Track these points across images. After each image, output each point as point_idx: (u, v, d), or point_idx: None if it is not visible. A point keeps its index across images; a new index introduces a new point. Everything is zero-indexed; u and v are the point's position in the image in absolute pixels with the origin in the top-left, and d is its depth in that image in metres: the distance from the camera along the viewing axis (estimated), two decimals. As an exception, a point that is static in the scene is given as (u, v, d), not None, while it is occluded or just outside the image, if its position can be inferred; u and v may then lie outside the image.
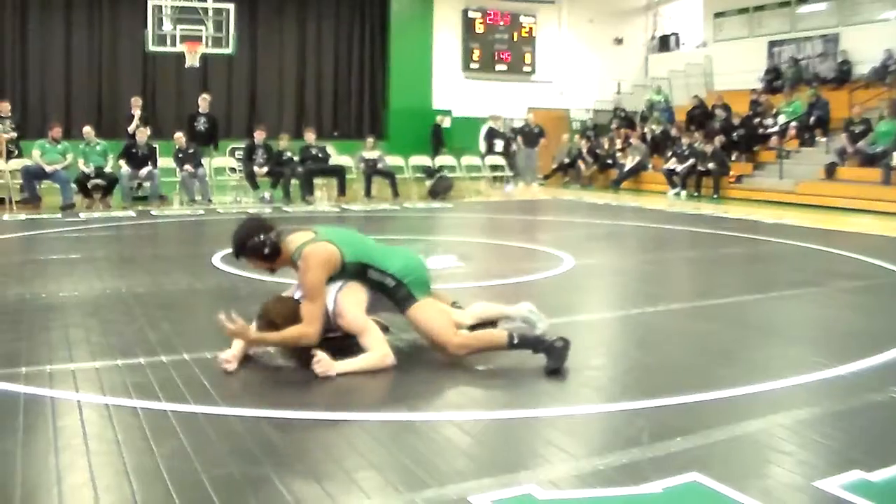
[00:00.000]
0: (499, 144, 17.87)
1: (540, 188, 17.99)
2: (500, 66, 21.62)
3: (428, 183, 15.48)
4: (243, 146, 14.96)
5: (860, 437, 3.25)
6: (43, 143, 12.71)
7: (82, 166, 12.69)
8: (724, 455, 3.05)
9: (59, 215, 11.35)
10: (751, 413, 3.52)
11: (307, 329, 4.08)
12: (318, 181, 14.51)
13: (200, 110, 14.97)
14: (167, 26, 15.55)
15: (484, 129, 18.08)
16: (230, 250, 4.51)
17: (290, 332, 4.08)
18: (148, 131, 13.65)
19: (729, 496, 2.66)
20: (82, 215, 11.40)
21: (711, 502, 2.66)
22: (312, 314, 4.11)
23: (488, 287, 6.44)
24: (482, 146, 17.92)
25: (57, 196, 12.42)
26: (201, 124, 14.79)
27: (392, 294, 4.29)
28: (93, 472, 2.82)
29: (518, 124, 19.42)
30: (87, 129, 13.24)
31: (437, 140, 18.43)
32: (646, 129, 19.35)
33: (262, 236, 4.31)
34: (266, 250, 4.32)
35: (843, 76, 17.77)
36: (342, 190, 14.11)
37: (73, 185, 12.50)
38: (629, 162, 17.83)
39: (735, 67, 19.87)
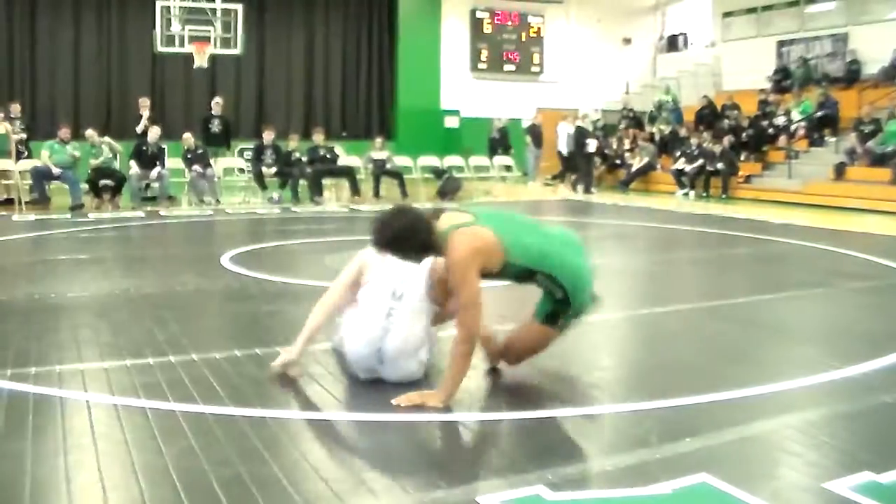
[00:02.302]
0: (592, 144, 16.98)
1: (548, 188, 17.99)
2: (509, 66, 21.60)
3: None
4: (252, 147, 15.05)
5: (870, 439, 3.23)
6: (52, 143, 12.76)
7: (94, 161, 12.78)
8: (733, 456, 3.04)
9: (69, 216, 11.38)
10: (760, 414, 3.50)
11: (464, 346, 3.48)
12: (326, 182, 14.52)
13: (214, 113, 15.13)
14: (175, 27, 15.59)
15: (568, 129, 17.51)
16: (380, 242, 3.65)
17: (459, 366, 3.50)
18: (159, 130, 13.70)
19: (738, 497, 2.65)
20: (91, 216, 11.43)
21: (720, 503, 2.65)
22: (467, 321, 3.47)
23: (496, 288, 6.42)
24: (564, 146, 17.37)
25: (66, 196, 12.46)
26: (215, 126, 14.97)
27: (554, 302, 3.78)
28: (101, 471, 2.83)
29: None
30: (90, 132, 13.26)
31: (502, 142, 18.27)
32: (654, 130, 19.31)
33: (422, 227, 3.58)
34: (429, 241, 3.57)
35: (853, 76, 17.70)
36: (356, 190, 14.09)
37: (83, 186, 12.55)
38: (637, 162, 17.78)
39: (744, 67, 19.81)
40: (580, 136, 16.98)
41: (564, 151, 17.68)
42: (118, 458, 2.95)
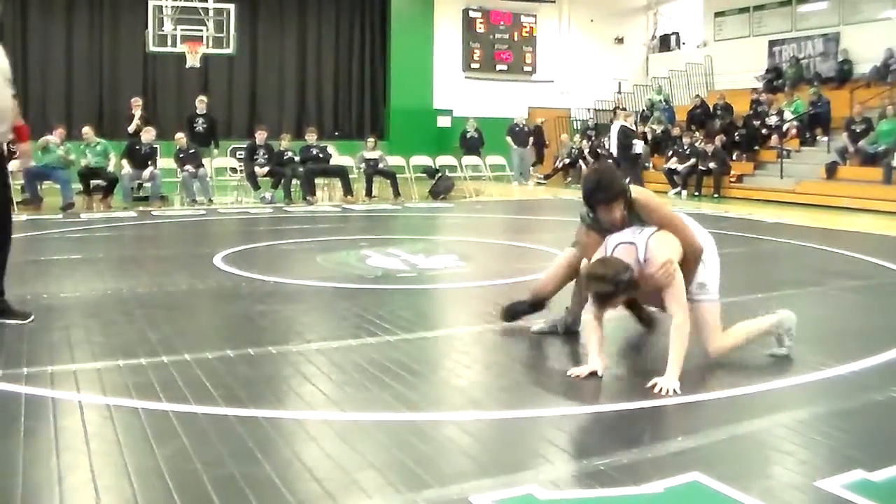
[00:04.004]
0: (639, 145, 16.16)
1: (540, 187, 17.99)
2: (501, 66, 21.64)
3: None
4: (244, 146, 15.02)
5: (861, 437, 3.25)
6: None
7: (84, 161, 12.73)
8: (725, 455, 3.05)
9: (60, 216, 11.35)
10: (752, 413, 3.52)
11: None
12: (319, 181, 14.51)
13: (198, 111, 15.05)
14: (168, 27, 15.59)
15: (614, 128, 16.72)
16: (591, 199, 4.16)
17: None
18: (153, 131, 13.66)
19: (730, 496, 2.66)
20: (83, 216, 11.40)
21: (712, 502, 2.66)
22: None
23: (489, 287, 6.44)
24: (614, 148, 16.54)
25: (58, 197, 12.41)
26: (200, 125, 14.88)
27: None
28: (94, 472, 2.82)
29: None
30: (87, 130, 13.23)
31: (480, 141, 18.21)
32: (646, 129, 19.34)
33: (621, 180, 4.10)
34: (628, 193, 4.08)
35: (844, 75, 17.76)
36: (348, 190, 14.08)
37: (75, 186, 12.51)
38: (630, 161, 17.76)
39: (736, 67, 19.87)
40: (624, 136, 15.96)
41: (614, 152, 16.76)
42: (110, 458, 2.94)
